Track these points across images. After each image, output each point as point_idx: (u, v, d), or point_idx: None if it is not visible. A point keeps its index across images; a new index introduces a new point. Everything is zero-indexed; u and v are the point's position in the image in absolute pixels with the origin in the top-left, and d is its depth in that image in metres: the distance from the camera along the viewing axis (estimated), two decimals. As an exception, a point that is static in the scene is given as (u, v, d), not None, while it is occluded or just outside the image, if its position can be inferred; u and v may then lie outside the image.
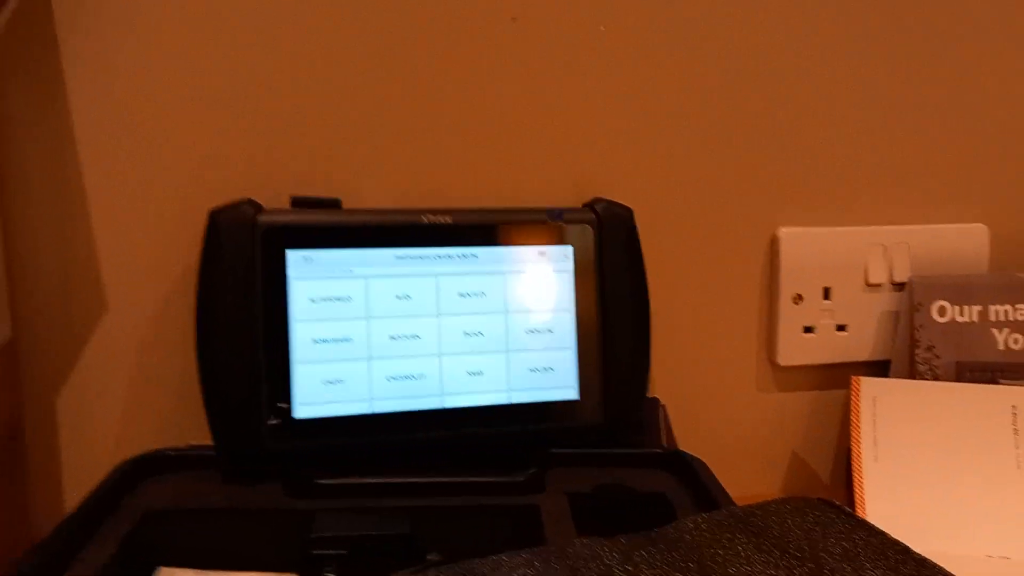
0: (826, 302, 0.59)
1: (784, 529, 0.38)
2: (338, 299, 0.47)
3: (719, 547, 0.36)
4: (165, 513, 0.43)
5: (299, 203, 0.48)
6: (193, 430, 0.51)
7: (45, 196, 0.49)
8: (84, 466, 0.51)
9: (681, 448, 0.51)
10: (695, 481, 0.47)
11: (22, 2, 0.47)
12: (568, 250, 0.50)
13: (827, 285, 0.59)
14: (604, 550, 0.36)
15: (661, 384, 0.58)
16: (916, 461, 0.54)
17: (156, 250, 0.51)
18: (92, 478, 0.45)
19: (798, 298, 0.59)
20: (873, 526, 0.38)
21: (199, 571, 0.43)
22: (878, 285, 0.60)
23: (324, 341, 0.47)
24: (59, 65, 0.48)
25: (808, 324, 0.59)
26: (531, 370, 0.49)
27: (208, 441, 0.46)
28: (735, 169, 0.57)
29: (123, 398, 0.51)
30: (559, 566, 0.35)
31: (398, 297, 0.48)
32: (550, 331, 0.50)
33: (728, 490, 0.45)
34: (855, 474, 0.54)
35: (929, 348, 0.58)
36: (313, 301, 0.47)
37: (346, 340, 0.47)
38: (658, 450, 0.51)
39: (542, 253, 0.50)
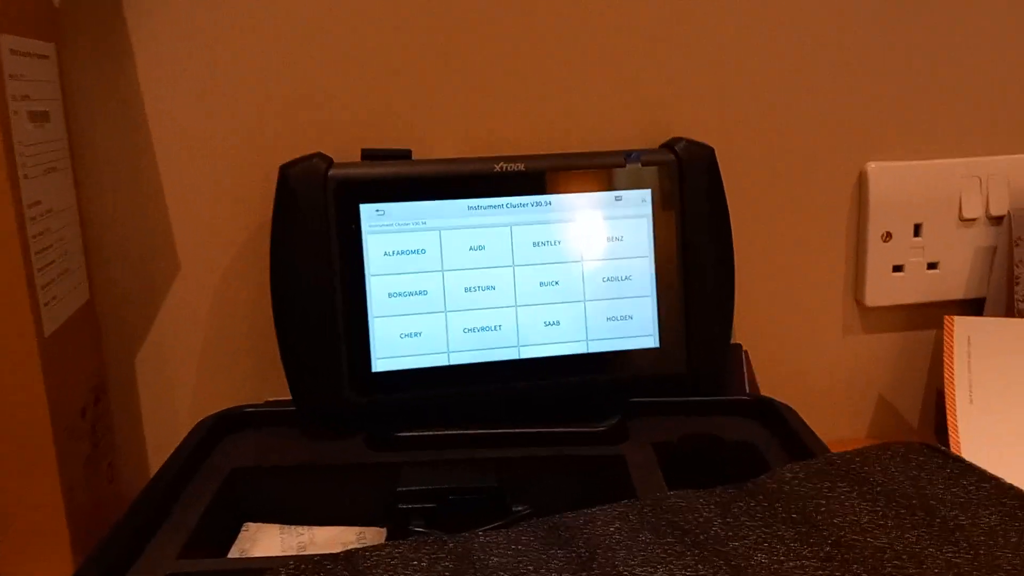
0: (917, 239, 0.56)
1: (888, 477, 0.36)
2: (412, 252, 0.46)
3: (821, 497, 0.35)
4: (251, 471, 0.44)
5: (370, 155, 0.47)
6: (271, 386, 0.52)
7: (115, 159, 0.49)
8: (166, 425, 0.52)
9: (766, 395, 0.50)
10: (784, 428, 0.45)
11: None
12: (646, 194, 0.48)
13: (918, 221, 0.56)
14: (701, 503, 0.35)
15: (743, 329, 0.56)
16: (1014, 403, 0.51)
17: (227, 208, 0.50)
18: (174, 436, 0.46)
19: (887, 235, 0.56)
20: (984, 471, 0.36)
21: (285, 526, 0.43)
22: (973, 220, 0.56)
23: (400, 295, 0.46)
24: (123, 26, 0.48)
25: (897, 262, 0.56)
26: (609, 319, 0.48)
27: (286, 397, 0.46)
28: (820, 102, 0.54)
29: (200, 357, 0.52)
30: (656, 519, 0.34)
31: (472, 248, 0.47)
32: (628, 278, 0.48)
33: (813, 438, 0.44)
34: (949, 418, 0.52)
35: (1029, 284, 0.55)
36: (387, 254, 0.46)
37: (422, 293, 0.46)
38: (744, 397, 0.49)
39: (619, 198, 0.48)
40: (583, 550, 0.32)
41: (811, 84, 0.54)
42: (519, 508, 0.41)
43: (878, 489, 0.35)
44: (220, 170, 0.50)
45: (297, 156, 0.45)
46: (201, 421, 0.46)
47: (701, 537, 0.32)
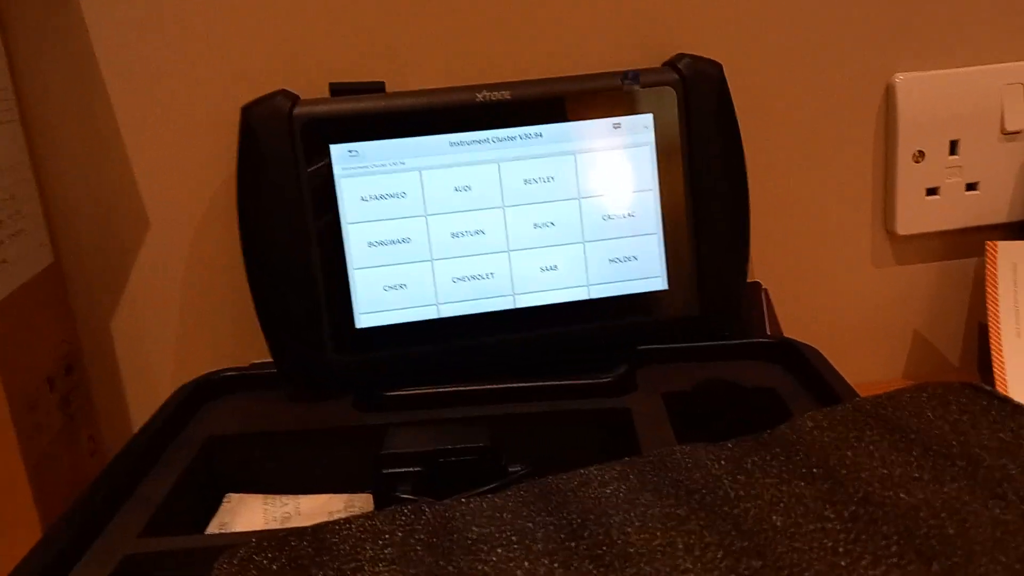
0: (953, 157, 0.51)
1: (924, 422, 0.32)
2: (391, 196, 0.42)
3: (847, 447, 0.31)
4: (230, 438, 0.41)
5: (339, 90, 0.43)
6: (257, 347, 0.48)
7: (70, 115, 0.46)
8: (149, 392, 0.49)
9: (788, 336, 0.46)
10: (809, 372, 0.41)
11: None
12: (647, 119, 0.44)
13: (954, 138, 0.51)
14: (711, 458, 0.31)
15: (761, 265, 0.52)
16: (1066, 334, 0.47)
17: (192, 156, 0.47)
18: (158, 404, 0.43)
19: (919, 155, 0.50)
20: (1035, 412, 0.32)
21: (268, 495, 0.40)
22: (1017, 132, 0.51)
23: (381, 243, 0.42)
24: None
25: (932, 185, 0.51)
26: (612, 260, 0.44)
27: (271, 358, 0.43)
28: (839, 8, 0.49)
29: (179, 318, 0.49)
30: (658, 479, 0.30)
31: (457, 189, 0.43)
32: (631, 215, 0.44)
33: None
34: (994, 353, 0.47)
35: (1082, 202, 0.49)
36: (364, 200, 0.42)
37: (404, 241, 0.43)
38: (764, 339, 0.45)
39: (617, 125, 0.43)
40: (575, 516, 0.28)
41: (830, -11, 0.48)
42: (516, 468, 0.38)
43: (912, 437, 0.31)
44: (181, 115, 0.46)
45: (262, 95, 0.42)
46: (179, 388, 0.44)
47: (708, 498, 0.28)
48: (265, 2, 0.45)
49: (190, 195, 0.47)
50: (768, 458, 0.31)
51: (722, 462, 0.31)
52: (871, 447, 0.31)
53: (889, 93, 0.50)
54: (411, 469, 0.37)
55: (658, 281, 0.45)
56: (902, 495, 0.28)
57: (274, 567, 0.26)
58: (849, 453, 0.31)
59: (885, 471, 0.29)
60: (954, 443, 0.30)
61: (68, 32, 0.45)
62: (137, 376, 0.49)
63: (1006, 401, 0.33)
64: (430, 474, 0.37)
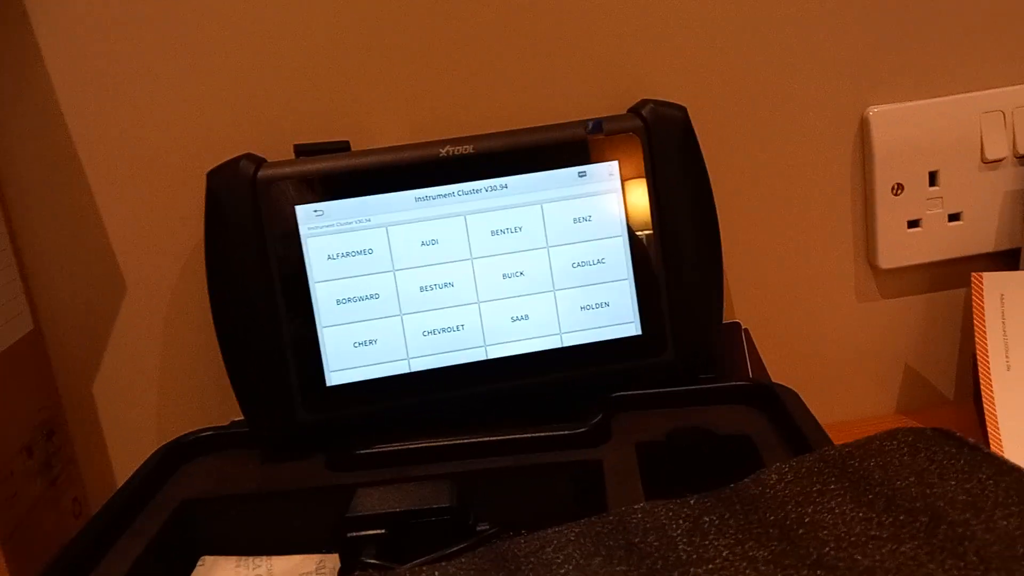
0: (933, 188, 0.50)
1: (891, 473, 0.31)
2: (358, 253, 0.42)
3: (808, 503, 0.30)
4: (203, 501, 0.41)
5: (304, 151, 0.43)
6: (236, 405, 0.48)
7: (44, 183, 0.47)
8: (132, 454, 0.50)
9: (774, 377, 0.45)
10: (785, 417, 0.40)
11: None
12: (613, 166, 0.43)
13: (933, 169, 0.50)
14: (668, 517, 0.31)
15: (742, 306, 0.51)
16: (1059, 365, 0.45)
17: (167, 221, 0.47)
18: (141, 463, 0.43)
19: (898, 187, 0.50)
20: (1004, 460, 0.31)
21: (242, 557, 0.40)
22: (998, 161, 0.50)
23: (349, 300, 0.43)
24: (30, 31, 0.45)
25: (913, 217, 0.50)
26: (583, 308, 0.44)
27: (252, 415, 0.43)
28: (807, 41, 0.48)
29: (160, 380, 0.49)
30: (613, 542, 0.30)
31: (424, 243, 0.43)
32: (601, 262, 0.44)
33: (835, 417, 0.39)
34: (983, 387, 0.46)
35: (1068, 229, 0.48)
36: (331, 258, 0.42)
37: (373, 296, 0.43)
38: (739, 383, 0.44)
39: (583, 174, 0.43)
40: None
41: (795, 20, 0.48)
42: (484, 527, 0.38)
43: (877, 490, 0.30)
44: (151, 180, 0.47)
45: (227, 158, 0.42)
46: (154, 452, 0.44)
47: (659, 564, 0.28)
48: (231, 67, 0.46)
49: (165, 258, 0.48)
50: (727, 516, 0.30)
51: (680, 521, 0.31)
52: (832, 503, 0.30)
53: (863, 126, 0.49)
54: (376, 532, 0.36)
55: (631, 327, 0.44)
56: (857, 556, 0.27)
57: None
58: (810, 509, 0.30)
59: (844, 529, 0.28)
60: (918, 497, 0.29)
61: (39, 100, 0.46)
62: (121, 437, 0.50)
63: (975, 449, 0.32)
64: (396, 536, 0.37)
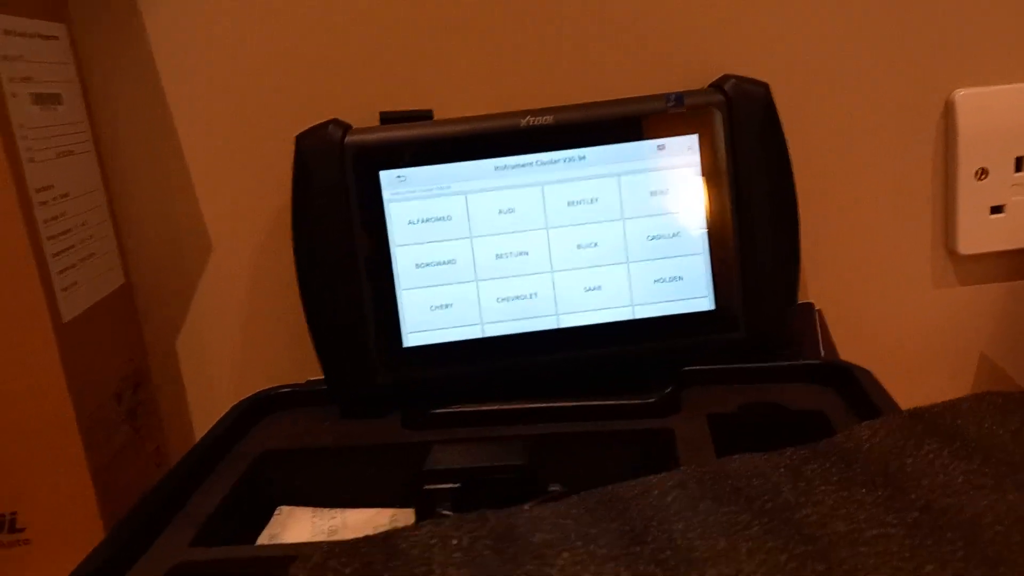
0: (1019, 174, 0.49)
1: (984, 431, 0.31)
2: (438, 219, 0.43)
3: (906, 455, 0.30)
4: (282, 453, 0.42)
5: (389, 119, 0.45)
6: (312, 365, 0.50)
7: (138, 140, 0.49)
8: (211, 408, 0.51)
9: (844, 359, 0.44)
10: (859, 395, 0.40)
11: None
12: (692, 140, 0.43)
13: (1019, 154, 0.49)
14: (769, 467, 0.30)
15: (816, 287, 0.51)
16: None
17: (252, 183, 0.49)
18: (219, 417, 0.44)
19: (982, 172, 0.49)
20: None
21: (318, 509, 0.41)
22: (1088, 147, 0.48)
23: (428, 265, 0.43)
24: (134, 4, 0.47)
25: (996, 203, 0.49)
26: (657, 281, 0.44)
27: (324, 376, 0.44)
28: (895, 22, 0.47)
29: (241, 338, 0.51)
30: (717, 486, 0.30)
31: (501, 212, 0.43)
32: (676, 235, 0.44)
33: (904, 405, 0.38)
34: (1065, 378, 0.45)
35: None
36: (412, 223, 0.43)
37: (450, 262, 0.43)
38: (812, 361, 0.44)
39: (661, 147, 0.43)
40: (637, 522, 0.28)
41: (883, 2, 0.47)
42: (554, 487, 0.38)
43: (973, 446, 0.30)
44: (242, 144, 0.48)
45: (316, 123, 0.43)
46: (236, 404, 0.45)
47: (769, 505, 0.28)
48: (320, 37, 0.47)
49: (251, 220, 0.49)
50: (827, 465, 0.30)
51: (781, 470, 0.30)
52: (931, 455, 0.29)
53: (948, 109, 0.48)
54: (451, 486, 0.37)
55: (704, 301, 0.44)
56: (965, 502, 0.26)
57: (347, 571, 0.27)
58: (908, 461, 0.29)
59: (947, 479, 0.28)
60: (1016, 452, 0.29)
61: (138, 70, 0.48)
62: (201, 391, 0.52)
63: (1069, 415, 0.31)
64: (469, 491, 0.37)
